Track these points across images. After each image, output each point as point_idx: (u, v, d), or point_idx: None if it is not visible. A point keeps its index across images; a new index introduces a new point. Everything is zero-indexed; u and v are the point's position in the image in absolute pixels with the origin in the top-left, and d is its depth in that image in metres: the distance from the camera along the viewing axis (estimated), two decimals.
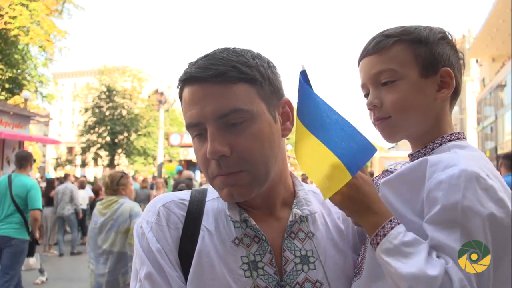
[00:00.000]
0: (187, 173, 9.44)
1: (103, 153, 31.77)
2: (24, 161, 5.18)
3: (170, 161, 20.04)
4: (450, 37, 1.02)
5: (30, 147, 28.31)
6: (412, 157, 1.01)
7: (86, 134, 31.48)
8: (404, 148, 20.87)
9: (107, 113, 31.22)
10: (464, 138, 0.98)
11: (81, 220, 11.51)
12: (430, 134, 0.98)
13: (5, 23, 18.11)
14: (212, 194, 1.04)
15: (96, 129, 31.34)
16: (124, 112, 31.22)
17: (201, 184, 10.90)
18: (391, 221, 0.87)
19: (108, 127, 30.79)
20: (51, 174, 30.14)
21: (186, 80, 0.94)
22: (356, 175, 0.90)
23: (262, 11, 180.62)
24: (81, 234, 11.87)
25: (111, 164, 30.02)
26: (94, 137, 31.34)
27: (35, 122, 22.24)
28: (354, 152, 0.90)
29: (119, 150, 31.46)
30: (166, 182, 11.43)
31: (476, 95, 44.69)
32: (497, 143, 32.91)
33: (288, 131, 1.01)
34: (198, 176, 15.19)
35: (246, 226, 0.98)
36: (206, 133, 0.92)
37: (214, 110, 0.90)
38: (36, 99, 20.84)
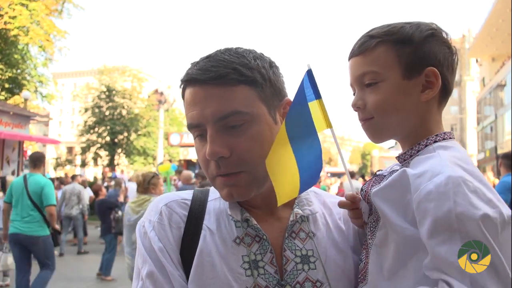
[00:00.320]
0: (187, 173, 9.43)
1: (103, 153, 31.76)
2: (38, 161, 5.64)
3: (170, 161, 20.02)
4: (442, 33, 0.99)
5: (30, 147, 28.29)
6: (399, 158, 1.01)
7: (86, 134, 31.46)
8: None
9: (107, 113, 31.20)
10: (451, 138, 0.97)
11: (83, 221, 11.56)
12: (417, 135, 0.97)
13: (5, 23, 18.12)
14: (214, 194, 1.05)
15: (96, 129, 31.33)
16: (124, 112, 31.20)
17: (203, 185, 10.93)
18: None
19: (108, 127, 30.77)
20: (51, 174, 30.12)
21: (187, 81, 0.95)
22: None
23: (263, 10, 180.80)
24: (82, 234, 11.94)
25: (111, 164, 30.02)
26: (94, 137, 31.32)
27: (35, 122, 22.25)
28: (310, 176, 0.93)
29: (119, 150, 31.45)
30: (165, 180, 11.44)
31: (476, 95, 44.72)
32: (497, 142, 32.92)
33: None
34: None
35: (247, 226, 0.98)
36: (206, 134, 0.93)
37: (214, 112, 0.91)
38: (36, 99, 20.85)
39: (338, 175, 25.59)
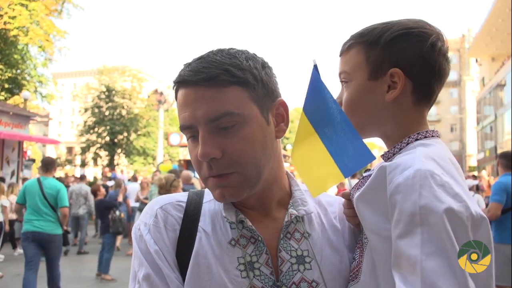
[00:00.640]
0: (186, 173, 9.42)
1: (103, 153, 31.78)
2: (49, 165, 6.12)
3: (170, 161, 20.03)
4: (421, 30, 0.97)
5: (30, 147, 28.29)
6: (384, 157, 1.01)
7: (86, 134, 31.48)
8: None
9: (107, 113, 31.22)
10: (434, 136, 0.97)
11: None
12: (395, 133, 0.98)
13: (5, 23, 18.12)
14: (209, 195, 1.05)
15: (96, 129, 31.35)
16: (124, 112, 31.22)
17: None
18: None
19: (108, 127, 30.79)
20: None
21: (179, 83, 0.95)
22: None
23: (263, 10, 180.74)
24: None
25: (111, 164, 30.03)
26: (93, 137, 31.34)
27: (34, 122, 22.26)
28: (350, 155, 0.91)
29: (119, 150, 31.47)
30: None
31: (475, 95, 44.74)
32: (497, 142, 32.94)
33: (283, 133, 1.01)
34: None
35: (242, 227, 0.98)
36: (198, 135, 0.93)
37: (205, 114, 0.90)
38: (36, 99, 20.85)
39: None
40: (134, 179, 14.56)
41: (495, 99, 34.23)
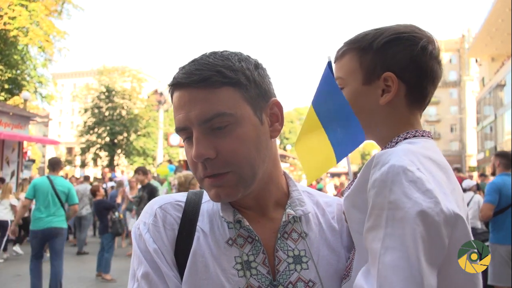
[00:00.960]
0: (186, 173, 9.44)
1: (103, 153, 31.82)
2: (56, 165, 6.59)
3: (169, 161, 20.01)
4: (412, 35, 1.00)
5: (30, 148, 28.30)
6: None
7: (86, 134, 31.53)
8: None
9: (107, 113, 31.26)
10: (423, 136, 0.98)
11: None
12: (390, 136, 1.01)
13: (5, 23, 18.14)
14: (207, 196, 1.06)
15: (96, 130, 31.39)
16: (124, 113, 31.27)
17: None
18: None
19: (108, 128, 30.84)
20: None
21: (174, 85, 0.97)
22: None
23: (263, 11, 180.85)
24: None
25: (111, 165, 30.05)
26: (93, 138, 31.39)
27: (34, 123, 22.27)
28: (346, 141, 0.96)
29: (119, 151, 31.51)
30: (161, 183, 11.49)
31: (475, 95, 44.77)
32: (497, 142, 32.96)
33: (277, 132, 1.02)
34: None
35: (240, 227, 0.99)
36: (193, 136, 0.94)
37: (198, 115, 0.92)
38: (36, 99, 20.88)
39: (338, 175, 25.70)
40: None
41: (495, 99, 34.25)
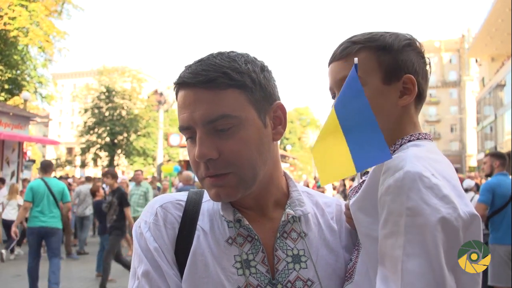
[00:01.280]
0: (186, 173, 9.44)
1: (103, 153, 31.80)
2: (48, 167, 6.92)
3: (169, 161, 20.04)
4: (417, 44, 1.05)
5: (30, 148, 28.31)
6: None
7: (86, 134, 31.50)
8: None
9: (107, 113, 31.24)
10: (426, 139, 1.00)
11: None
12: (395, 136, 1.01)
13: (5, 24, 18.15)
14: (208, 195, 1.06)
15: (96, 130, 31.37)
16: (124, 113, 31.25)
17: None
18: None
19: (108, 128, 30.82)
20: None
21: (179, 84, 0.97)
22: None
23: (264, 11, 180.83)
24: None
25: (111, 165, 30.03)
26: (93, 138, 31.36)
27: (34, 123, 22.29)
28: (368, 152, 0.90)
29: (119, 151, 31.49)
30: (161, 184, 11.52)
31: (475, 95, 44.77)
32: (497, 142, 32.96)
33: (280, 135, 1.03)
34: None
35: (240, 226, 1.00)
36: (196, 136, 0.95)
37: (202, 116, 0.92)
38: (36, 99, 20.89)
39: None
40: (134, 179, 14.59)
41: (495, 99, 34.26)
